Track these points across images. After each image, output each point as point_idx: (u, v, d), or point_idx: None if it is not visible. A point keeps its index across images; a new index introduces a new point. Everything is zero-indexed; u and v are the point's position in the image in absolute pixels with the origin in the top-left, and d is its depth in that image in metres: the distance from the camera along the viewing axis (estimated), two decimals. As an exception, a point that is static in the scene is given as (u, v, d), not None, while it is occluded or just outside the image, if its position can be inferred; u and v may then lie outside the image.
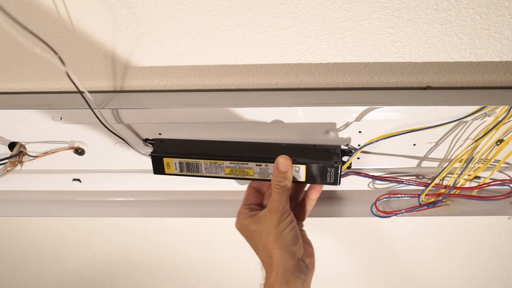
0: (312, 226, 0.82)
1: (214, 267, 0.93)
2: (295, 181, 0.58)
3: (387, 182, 0.64)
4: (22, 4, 0.52)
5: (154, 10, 0.52)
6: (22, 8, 0.53)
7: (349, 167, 0.61)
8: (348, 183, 0.66)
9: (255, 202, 0.62)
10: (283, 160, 0.54)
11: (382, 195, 0.65)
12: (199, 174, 0.59)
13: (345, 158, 0.59)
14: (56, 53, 0.47)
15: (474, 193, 0.64)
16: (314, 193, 0.63)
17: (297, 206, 0.63)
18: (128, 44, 0.55)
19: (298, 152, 0.57)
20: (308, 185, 0.62)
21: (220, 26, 0.53)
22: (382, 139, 0.55)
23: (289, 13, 0.52)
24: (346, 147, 0.59)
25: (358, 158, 0.61)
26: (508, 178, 0.63)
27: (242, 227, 0.59)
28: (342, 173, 0.57)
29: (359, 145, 0.58)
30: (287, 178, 0.55)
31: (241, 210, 0.61)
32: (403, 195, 0.65)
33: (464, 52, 0.55)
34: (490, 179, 0.62)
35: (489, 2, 0.50)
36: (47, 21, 0.53)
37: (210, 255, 0.90)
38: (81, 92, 0.51)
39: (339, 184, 0.58)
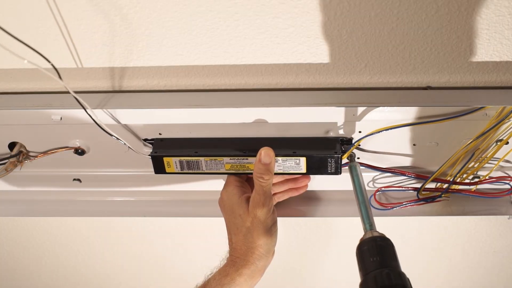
0: (311, 226, 0.82)
1: (214, 266, 0.93)
2: (297, 173, 0.58)
3: (387, 176, 0.64)
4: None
5: (154, 10, 0.52)
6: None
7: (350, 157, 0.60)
8: (347, 183, 0.66)
9: (244, 177, 0.62)
10: (266, 152, 0.54)
11: (381, 187, 0.65)
12: (200, 172, 0.59)
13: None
14: (48, 61, 0.48)
15: (474, 189, 0.64)
16: (293, 193, 0.64)
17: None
18: (128, 44, 0.55)
19: (298, 145, 0.57)
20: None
21: (220, 26, 0.53)
22: (383, 130, 0.55)
23: (289, 13, 0.52)
24: (346, 138, 0.59)
25: (358, 158, 0.61)
26: (508, 175, 0.63)
27: (228, 200, 0.59)
28: (343, 163, 0.57)
29: (360, 132, 0.58)
30: (269, 170, 0.54)
31: (232, 180, 0.60)
32: (402, 188, 0.65)
33: (464, 52, 0.55)
34: (490, 176, 0.63)
35: (489, 2, 0.50)
36: (46, 22, 0.53)
37: (210, 254, 0.90)
38: (73, 93, 0.51)
39: (340, 173, 0.58)
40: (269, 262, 0.58)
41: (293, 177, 0.63)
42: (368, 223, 0.52)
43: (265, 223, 0.55)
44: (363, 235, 0.51)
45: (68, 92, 0.61)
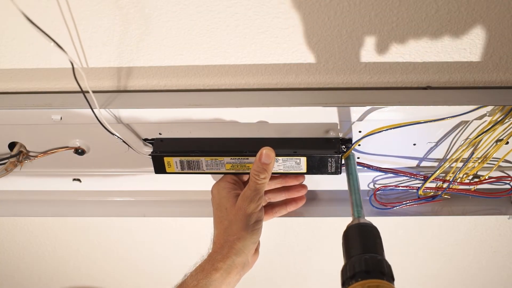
0: (310, 226, 0.82)
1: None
2: (297, 172, 0.58)
3: (387, 176, 0.64)
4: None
5: (154, 10, 0.52)
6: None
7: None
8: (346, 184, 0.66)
9: (241, 178, 0.62)
10: (267, 152, 0.54)
11: (381, 187, 0.65)
12: (201, 171, 0.59)
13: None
14: (65, 52, 0.48)
15: (474, 189, 0.64)
16: (292, 207, 0.64)
17: (269, 205, 0.64)
18: (128, 44, 0.55)
19: (298, 144, 0.58)
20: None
21: (220, 26, 0.53)
22: (384, 130, 0.55)
23: (289, 13, 0.52)
24: (346, 138, 0.59)
25: (358, 158, 0.61)
26: (507, 175, 0.63)
27: (217, 194, 0.59)
28: (343, 163, 0.57)
29: (360, 131, 0.58)
30: (267, 170, 0.54)
31: (227, 177, 0.61)
32: (402, 188, 0.65)
33: (464, 52, 0.55)
34: (489, 176, 0.63)
35: (489, 2, 0.50)
36: (46, 22, 0.53)
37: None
38: (84, 92, 0.51)
39: (340, 173, 0.58)
40: (249, 262, 0.57)
41: (289, 184, 0.63)
42: (357, 210, 0.53)
43: (248, 218, 0.55)
44: (351, 222, 0.51)
45: (67, 92, 0.61)
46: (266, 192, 0.63)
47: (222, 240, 0.56)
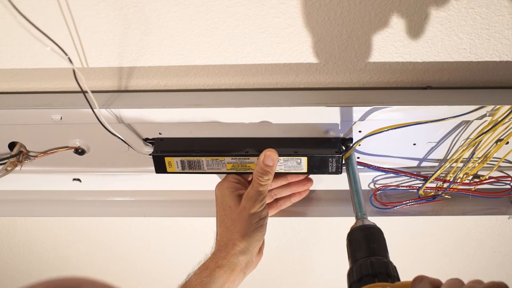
0: (310, 226, 0.82)
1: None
2: (298, 172, 0.58)
3: (388, 176, 0.64)
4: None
5: (154, 10, 0.52)
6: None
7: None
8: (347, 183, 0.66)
9: (244, 177, 0.62)
10: (270, 154, 0.54)
11: (382, 186, 0.65)
12: (201, 171, 0.59)
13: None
14: (65, 53, 0.48)
15: (474, 189, 0.64)
16: (296, 198, 0.64)
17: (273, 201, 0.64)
18: (128, 44, 0.55)
19: (299, 144, 0.58)
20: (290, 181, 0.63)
21: (220, 26, 0.53)
22: (384, 130, 0.55)
23: (289, 13, 0.52)
24: (346, 138, 0.59)
25: (358, 157, 0.61)
26: (508, 175, 0.63)
27: (221, 194, 0.59)
28: (343, 163, 0.57)
29: (360, 131, 0.58)
30: (270, 172, 0.54)
31: (229, 177, 0.61)
32: (403, 188, 0.65)
33: (464, 52, 0.55)
34: (490, 176, 0.62)
35: (489, 2, 0.50)
36: (46, 22, 0.53)
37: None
38: (84, 92, 0.51)
39: (341, 173, 0.58)
40: (253, 261, 0.58)
41: (293, 180, 0.63)
42: (360, 211, 0.53)
43: (252, 217, 0.55)
44: (354, 223, 0.51)
45: (67, 92, 0.61)
46: (272, 189, 0.63)
47: (225, 238, 0.56)
